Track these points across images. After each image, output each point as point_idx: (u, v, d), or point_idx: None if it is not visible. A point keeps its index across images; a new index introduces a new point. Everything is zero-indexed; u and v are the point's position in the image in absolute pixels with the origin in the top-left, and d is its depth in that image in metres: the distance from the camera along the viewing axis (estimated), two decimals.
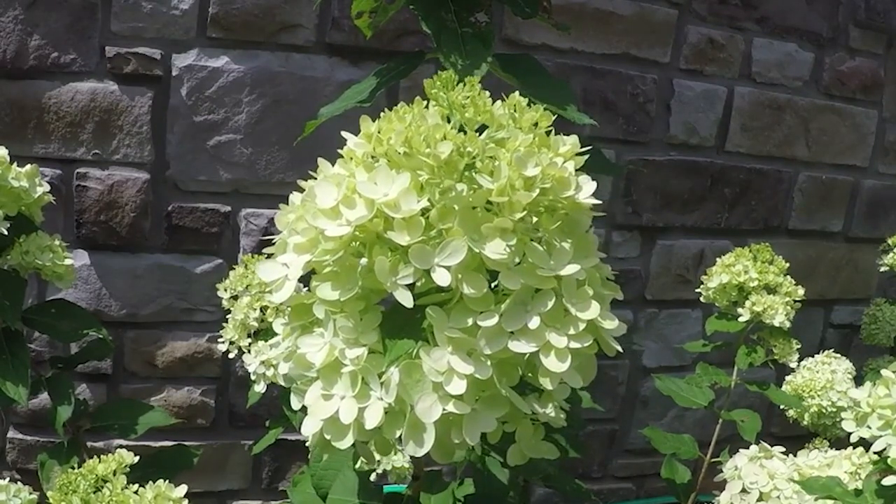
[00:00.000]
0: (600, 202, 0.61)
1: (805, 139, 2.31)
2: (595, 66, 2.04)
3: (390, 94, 1.79)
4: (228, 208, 1.84)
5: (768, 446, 1.19)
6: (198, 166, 1.79)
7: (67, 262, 1.29)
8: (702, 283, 1.51)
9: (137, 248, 1.80)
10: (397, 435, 0.58)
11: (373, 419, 0.57)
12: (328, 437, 0.59)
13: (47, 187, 1.29)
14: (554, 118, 0.61)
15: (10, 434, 1.84)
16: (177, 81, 1.75)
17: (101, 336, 1.34)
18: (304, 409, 0.63)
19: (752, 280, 1.46)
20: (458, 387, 0.56)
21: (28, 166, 1.24)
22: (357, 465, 0.91)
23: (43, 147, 1.70)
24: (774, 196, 2.32)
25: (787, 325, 1.43)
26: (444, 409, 0.57)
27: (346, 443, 0.58)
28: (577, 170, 0.61)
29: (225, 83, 1.77)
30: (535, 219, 0.59)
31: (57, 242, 1.29)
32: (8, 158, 1.22)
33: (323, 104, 1.22)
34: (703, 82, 2.16)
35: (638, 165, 2.11)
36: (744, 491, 1.17)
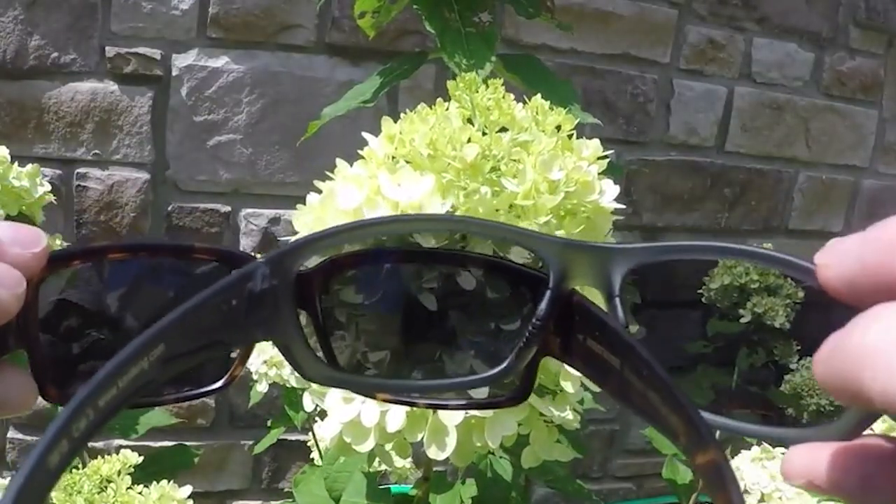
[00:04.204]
0: (623, 206, 0.61)
1: (805, 139, 2.31)
2: (595, 66, 2.03)
3: (391, 94, 1.79)
4: (228, 208, 1.83)
5: (770, 447, 1.19)
6: (198, 166, 1.79)
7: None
8: (703, 283, 1.51)
9: None
10: (418, 438, 0.58)
11: (395, 422, 0.57)
12: (348, 440, 0.58)
13: (48, 187, 1.28)
14: (577, 121, 0.61)
15: (10, 434, 1.83)
16: (177, 81, 1.74)
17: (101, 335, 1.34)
18: (316, 408, 0.62)
19: (753, 282, 1.46)
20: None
21: (29, 166, 1.23)
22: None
23: (43, 147, 1.69)
24: (774, 196, 2.32)
25: (788, 326, 1.43)
26: (466, 413, 0.56)
27: (367, 446, 0.58)
28: (598, 173, 0.61)
29: (225, 83, 1.76)
30: (556, 222, 0.59)
31: (58, 242, 1.28)
32: (8, 158, 1.21)
33: (323, 104, 1.22)
34: (703, 82, 2.16)
35: (638, 165, 2.11)
36: (745, 492, 1.17)
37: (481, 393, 0.42)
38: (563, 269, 0.35)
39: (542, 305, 0.35)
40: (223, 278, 0.34)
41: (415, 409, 0.57)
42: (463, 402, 0.43)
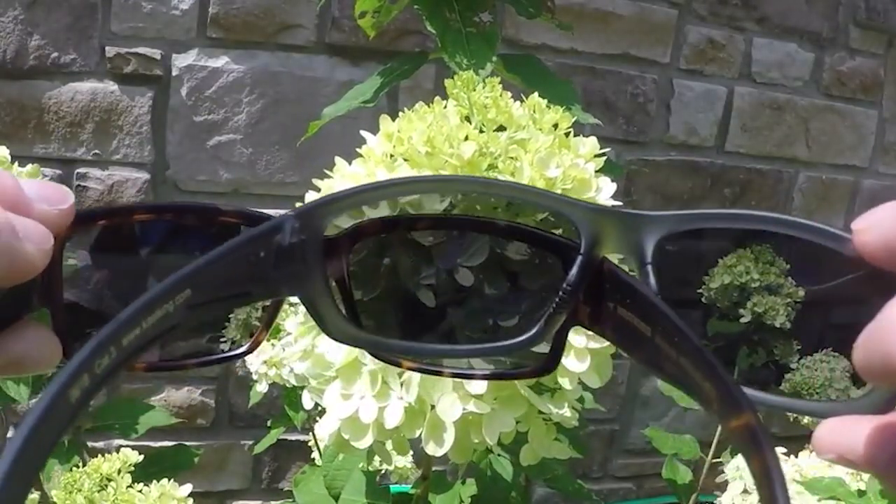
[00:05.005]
0: (620, 203, 0.61)
1: (805, 139, 2.31)
2: (595, 66, 2.03)
3: (391, 94, 1.79)
4: None
5: None
6: (198, 166, 1.79)
7: (69, 261, 1.28)
8: (703, 283, 1.51)
9: None
10: (417, 434, 0.58)
11: (393, 419, 0.57)
12: (347, 436, 0.58)
13: None
14: (573, 120, 0.61)
15: (10, 434, 1.83)
16: (177, 81, 1.74)
17: None
18: (316, 408, 0.62)
19: (753, 281, 1.46)
20: (478, 386, 0.56)
21: (29, 166, 1.23)
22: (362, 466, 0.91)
23: (43, 147, 1.69)
24: (774, 196, 2.32)
25: (788, 325, 1.43)
26: (464, 409, 0.56)
27: (365, 442, 0.58)
28: (595, 171, 0.61)
29: (225, 83, 1.77)
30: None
31: None
32: (9, 158, 1.21)
33: (323, 104, 1.22)
34: (703, 82, 2.16)
35: (638, 165, 2.11)
36: (745, 492, 1.17)
37: (509, 363, 0.42)
38: (594, 236, 0.34)
39: (573, 272, 0.35)
40: (252, 228, 0.34)
41: (413, 404, 0.57)
42: (489, 371, 0.42)
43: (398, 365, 0.42)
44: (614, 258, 0.36)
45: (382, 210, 0.47)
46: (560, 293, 0.35)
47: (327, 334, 0.38)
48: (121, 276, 0.38)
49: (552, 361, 0.38)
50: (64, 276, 0.35)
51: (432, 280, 0.40)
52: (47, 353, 0.34)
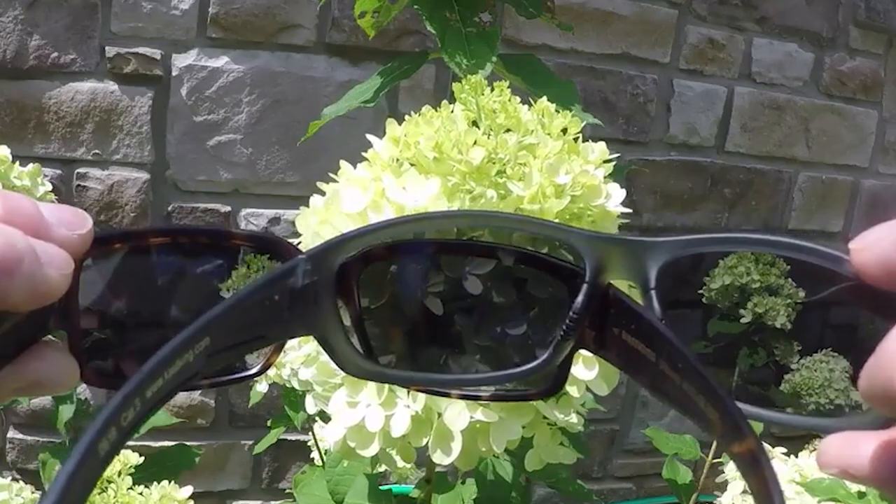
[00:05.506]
0: (629, 210, 0.61)
1: (805, 139, 2.31)
2: (595, 66, 2.03)
3: (391, 94, 1.79)
4: (228, 208, 1.83)
5: (770, 448, 1.19)
6: (198, 166, 1.78)
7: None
8: (703, 284, 1.50)
9: None
10: (423, 443, 0.58)
11: (400, 427, 0.56)
12: (353, 444, 0.58)
13: (49, 186, 1.28)
14: (583, 124, 0.61)
15: (10, 434, 1.83)
16: (177, 81, 1.74)
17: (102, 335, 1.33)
18: (320, 413, 0.62)
19: (754, 282, 1.46)
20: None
21: (30, 165, 1.23)
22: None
23: (43, 147, 1.69)
24: (774, 196, 2.32)
25: (789, 326, 1.43)
26: (471, 417, 0.56)
27: (371, 451, 0.57)
28: (604, 177, 0.60)
29: (225, 83, 1.76)
30: None
31: None
32: (9, 158, 1.21)
33: (323, 104, 1.22)
34: (703, 82, 2.16)
35: (638, 165, 2.11)
36: (745, 492, 1.17)
37: (514, 385, 0.42)
38: (598, 263, 0.35)
39: (580, 299, 0.35)
40: (265, 273, 0.34)
41: (419, 413, 0.57)
42: (495, 392, 0.43)
43: (407, 388, 0.43)
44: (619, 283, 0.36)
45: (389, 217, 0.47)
46: (567, 320, 0.35)
47: (342, 369, 0.39)
48: (136, 297, 0.38)
49: (557, 384, 0.39)
50: (80, 299, 0.35)
51: (441, 310, 0.40)
52: (65, 374, 0.34)
